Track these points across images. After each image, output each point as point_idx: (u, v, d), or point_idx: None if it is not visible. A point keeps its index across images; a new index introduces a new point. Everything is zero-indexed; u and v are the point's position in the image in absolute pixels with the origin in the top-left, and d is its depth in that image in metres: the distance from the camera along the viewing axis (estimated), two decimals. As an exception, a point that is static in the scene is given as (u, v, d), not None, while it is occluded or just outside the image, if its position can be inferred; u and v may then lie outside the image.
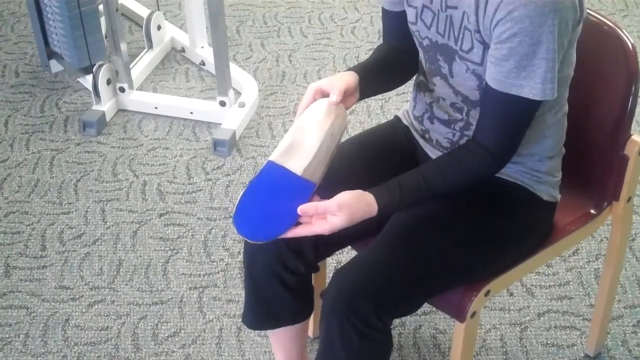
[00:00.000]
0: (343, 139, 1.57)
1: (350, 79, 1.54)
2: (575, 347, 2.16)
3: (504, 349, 2.15)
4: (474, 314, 1.63)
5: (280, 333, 1.85)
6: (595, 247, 2.46)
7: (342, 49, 3.49)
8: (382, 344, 1.59)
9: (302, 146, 1.47)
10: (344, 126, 1.52)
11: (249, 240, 1.47)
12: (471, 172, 1.53)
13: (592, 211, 1.82)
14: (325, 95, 1.53)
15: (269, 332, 1.88)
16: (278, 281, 1.69)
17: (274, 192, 1.45)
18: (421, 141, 1.76)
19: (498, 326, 2.22)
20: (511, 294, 2.30)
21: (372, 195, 1.48)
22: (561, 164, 1.72)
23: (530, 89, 1.45)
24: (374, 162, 1.74)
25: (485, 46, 1.49)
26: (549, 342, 2.17)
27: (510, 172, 1.65)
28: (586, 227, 1.81)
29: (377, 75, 1.63)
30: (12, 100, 3.19)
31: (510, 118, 1.50)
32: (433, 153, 1.73)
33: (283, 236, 1.46)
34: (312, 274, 1.78)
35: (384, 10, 1.71)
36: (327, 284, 1.60)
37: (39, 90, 3.24)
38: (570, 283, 2.35)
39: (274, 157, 1.47)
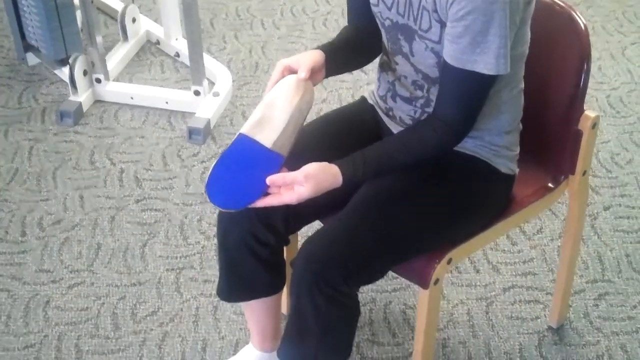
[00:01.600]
0: (312, 119, 1.65)
1: (316, 56, 1.61)
2: (539, 320, 2.24)
3: (471, 323, 2.24)
4: (437, 281, 1.71)
5: (255, 306, 1.91)
6: (558, 226, 2.55)
7: (314, 40, 3.56)
8: (350, 309, 1.67)
9: (271, 120, 1.54)
10: (312, 102, 1.59)
11: (220, 209, 1.54)
12: (431, 145, 1.61)
13: (549, 184, 1.91)
14: (293, 72, 1.60)
15: (244, 306, 1.95)
16: (250, 253, 1.76)
17: (245, 163, 1.52)
18: (385, 119, 1.84)
19: (465, 301, 2.30)
20: (477, 271, 2.39)
21: (337, 167, 1.55)
22: (519, 139, 1.81)
23: (485, 64, 1.53)
24: (340, 137, 1.81)
25: (443, 25, 1.57)
26: (513, 315, 2.26)
27: (469, 146, 1.73)
28: (544, 200, 1.90)
29: (342, 55, 1.70)
30: (-11, 92, 3.24)
31: (467, 92, 1.59)
32: (396, 130, 1.80)
33: (253, 205, 1.53)
34: (284, 247, 1.85)
35: (348, -7, 1.79)
36: (297, 257, 1.67)
37: (16, 82, 3.29)
38: (535, 260, 2.44)
39: (245, 129, 1.54)
